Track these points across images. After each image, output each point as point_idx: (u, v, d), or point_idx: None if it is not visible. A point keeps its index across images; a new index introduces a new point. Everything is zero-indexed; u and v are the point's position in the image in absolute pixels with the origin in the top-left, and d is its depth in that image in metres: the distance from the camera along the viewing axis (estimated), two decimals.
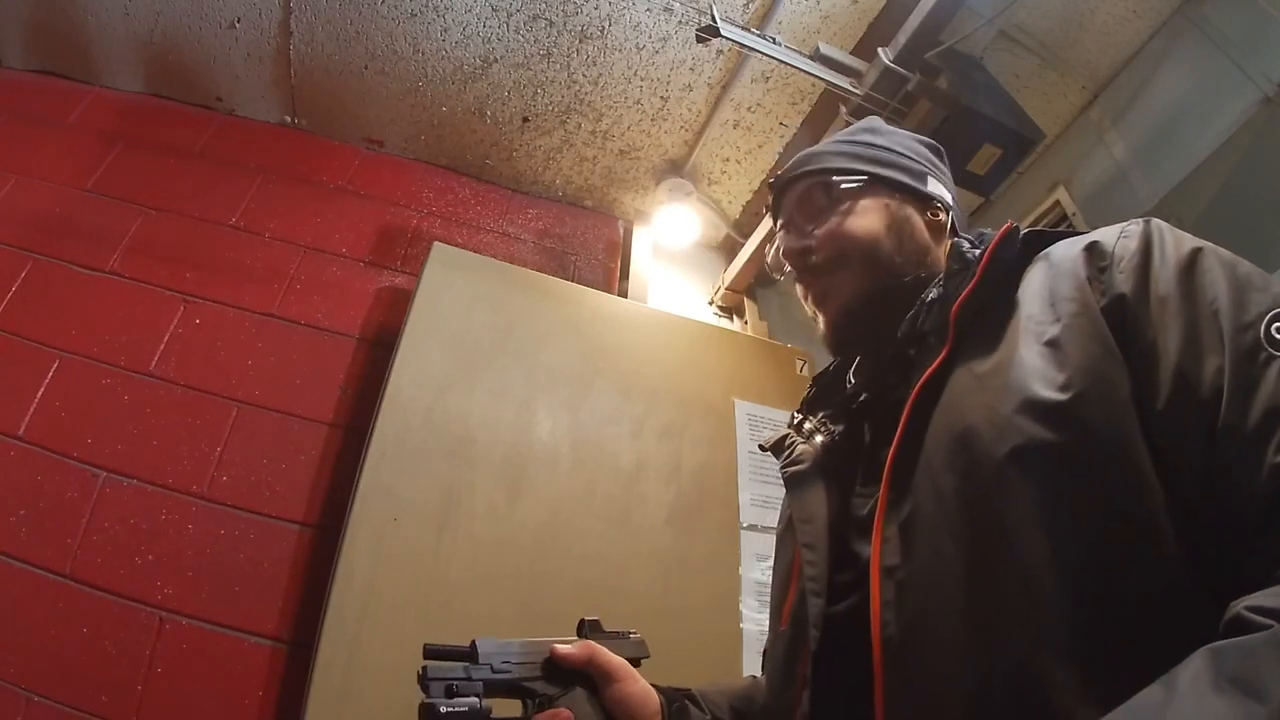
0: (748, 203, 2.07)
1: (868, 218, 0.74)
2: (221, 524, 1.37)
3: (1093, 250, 0.58)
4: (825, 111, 1.73)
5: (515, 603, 1.31)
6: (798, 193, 0.80)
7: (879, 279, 0.72)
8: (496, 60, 1.77)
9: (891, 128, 0.85)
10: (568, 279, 1.87)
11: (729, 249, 2.16)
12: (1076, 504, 0.50)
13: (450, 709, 0.59)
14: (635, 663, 0.73)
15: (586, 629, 0.72)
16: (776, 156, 1.92)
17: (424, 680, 0.62)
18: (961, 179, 1.41)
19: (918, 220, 0.76)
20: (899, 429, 0.60)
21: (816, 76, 1.44)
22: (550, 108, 1.87)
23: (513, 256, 1.92)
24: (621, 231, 2.13)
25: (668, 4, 1.61)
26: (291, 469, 1.45)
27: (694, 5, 1.61)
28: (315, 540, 1.39)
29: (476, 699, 0.60)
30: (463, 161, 2.03)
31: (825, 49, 1.44)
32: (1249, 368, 0.47)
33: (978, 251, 0.65)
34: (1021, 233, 0.64)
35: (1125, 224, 0.59)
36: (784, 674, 0.66)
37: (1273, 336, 0.48)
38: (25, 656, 1.20)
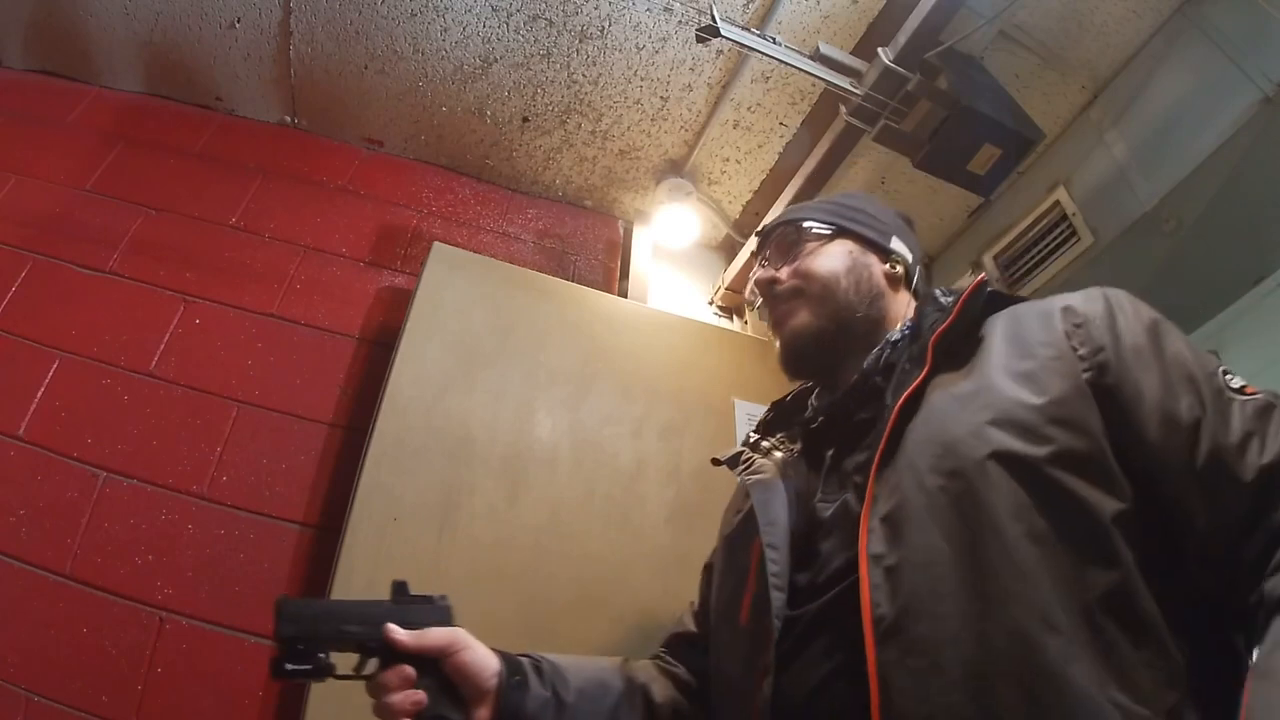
0: (748, 203, 2.07)
1: (831, 259, 0.87)
2: (221, 524, 1.37)
3: (1068, 311, 0.71)
4: (825, 111, 1.73)
5: (515, 603, 1.31)
6: (776, 236, 0.94)
7: (832, 316, 0.84)
8: (496, 60, 1.77)
9: (871, 197, 1.00)
10: (568, 279, 1.87)
11: (729, 249, 2.16)
12: (1047, 505, 0.61)
13: (295, 667, 0.65)
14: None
15: (394, 590, 0.75)
16: (776, 156, 1.92)
17: (275, 637, 0.67)
18: (961, 179, 1.41)
19: (877, 268, 0.88)
20: (884, 435, 0.69)
21: (816, 76, 1.44)
22: (550, 108, 1.87)
23: (513, 256, 1.92)
24: (621, 231, 2.13)
25: (668, 4, 1.61)
26: (291, 469, 1.45)
27: (694, 5, 1.61)
28: (315, 540, 1.39)
29: (323, 655, 0.67)
30: (463, 161, 2.03)
31: (825, 49, 1.44)
32: (1220, 402, 0.63)
33: (951, 298, 0.78)
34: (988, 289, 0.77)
35: (1087, 290, 0.73)
36: (745, 665, 0.71)
37: (1228, 385, 0.64)
38: (25, 656, 1.20)
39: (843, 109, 1.48)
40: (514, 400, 1.51)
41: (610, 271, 2.03)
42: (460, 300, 1.59)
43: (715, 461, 0.96)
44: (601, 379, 1.61)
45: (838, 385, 0.84)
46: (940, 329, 0.73)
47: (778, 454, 0.86)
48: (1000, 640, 0.57)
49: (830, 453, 0.79)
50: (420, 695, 0.70)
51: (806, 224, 0.90)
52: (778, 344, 0.89)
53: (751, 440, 0.92)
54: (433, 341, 1.52)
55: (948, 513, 0.62)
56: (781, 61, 1.42)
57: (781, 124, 1.85)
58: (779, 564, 0.72)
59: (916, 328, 0.80)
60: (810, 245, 0.89)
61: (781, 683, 0.66)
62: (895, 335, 0.82)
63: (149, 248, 1.64)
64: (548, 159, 2.00)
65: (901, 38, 1.39)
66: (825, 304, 0.85)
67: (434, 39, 1.74)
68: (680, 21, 1.65)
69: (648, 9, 1.63)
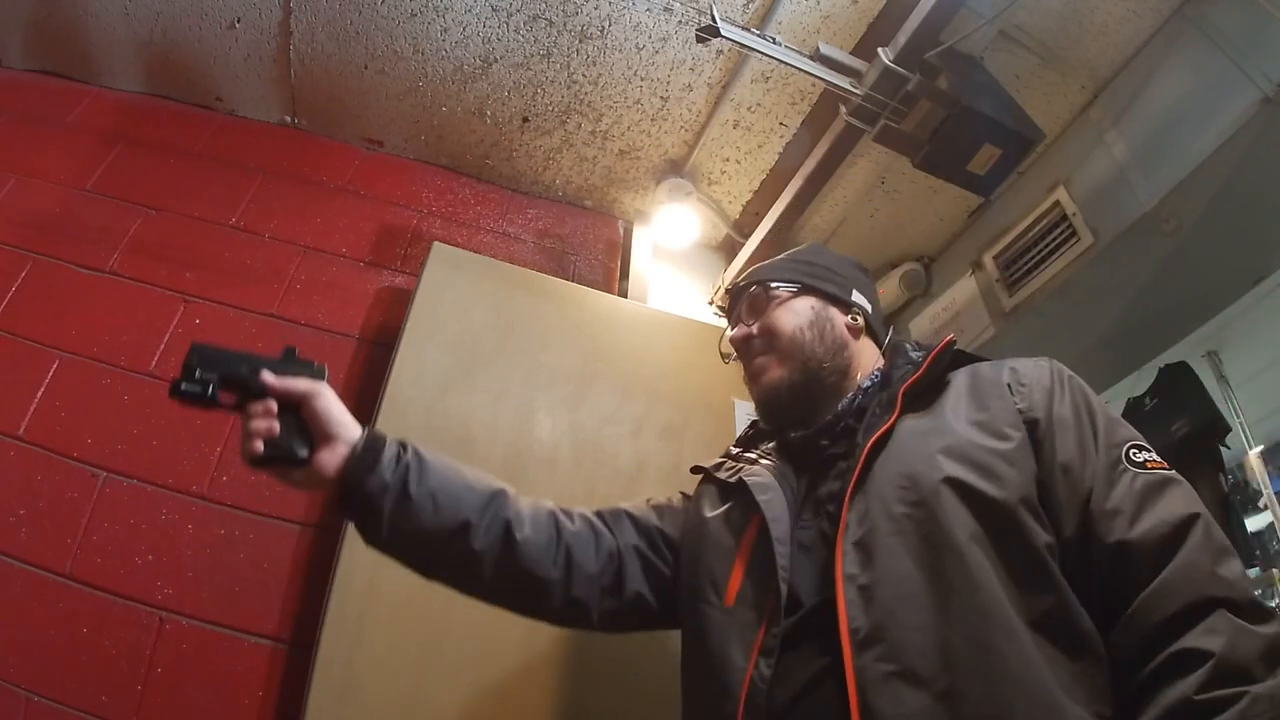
0: (748, 203, 2.07)
1: (796, 316, 0.96)
2: (221, 524, 1.37)
3: (1014, 371, 0.83)
4: (825, 111, 1.73)
5: None
6: (747, 296, 1.02)
7: (800, 369, 0.92)
8: (496, 60, 1.77)
9: (832, 252, 1.08)
10: (568, 279, 1.87)
11: (729, 249, 2.16)
12: (996, 533, 0.70)
13: (188, 388, 0.76)
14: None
15: (284, 351, 0.84)
16: (776, 156, 1.92)
17: (182, 366, 0.78)
18: (961, 179, 1.41)
19: (839, 320, 0.97)
20: (856, 470, 0.78)
21: (816, 76, 1.44)
22: (550, 108, 1.87)
23: (513, 256, 1.92)
24: (621, 231, 2.13)
25: (668, 4, 1.61)
26: None
27: (694, 5, 1.61)
28: (315, 540, 1.39)
29: (213, 388, 0.77)
30: (463, 161, 2.03)
31: (825, 49, 1.44)
32: (1112, 472, 0.73)
33: (920, 354, 0.89)
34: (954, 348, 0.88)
35: (1037, 360, 0.84)
36: (737, 642, 0.77)
37: (1130, 457, 0.73)
38: (25, 656, 1.20)
39: (843, 109, 1.48)
40: (514, 400, 1.51)
41: (610, 271, 2.03)
42: (460, 300, 1.59)
43: (697, 470, 1.03)
44: (601, 379, 1.60)
45: (809, 424, 0.91)
46: (910, 381, 0.83)
47: (766, 462, 0.93)
48: (965, 649, 0.65)
49: (805, 481, 0.87)
50: (275, 425, 0.78)
51: (773, 284, 0.99)
52: (754, 396, 0.97)
53: (734, 453, 1.01)
54: (433, 341, 1.52)
55: (913, 538, 0.71)
56: (781, 61, 1.42)
57: (781, 124, 1.85)
58: (785, 559, 0.78)
59: (886, 377, 0.90)
60: (776, 303, 0.98)
61: (774, 675, 0.72)
62: (866, 383, 0.92)
63: (149, 248, 1.64)
64: (548, 159, 2.01)
65: (901, 38, 1.39)
66: (794, 358, 0.93)
67: (434, 39, 1.74)
68: (680, 21, 1.65)
69: (648, 9, 1.63)
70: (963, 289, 1.87)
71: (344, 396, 1.53)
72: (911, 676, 0.64)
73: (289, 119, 1.97)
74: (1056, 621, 0.67)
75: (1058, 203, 1.61)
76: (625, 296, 1.91)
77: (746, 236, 1.99)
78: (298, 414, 0.81)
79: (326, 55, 1.80)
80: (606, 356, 1.64)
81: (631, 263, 2.01)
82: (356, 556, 1.27)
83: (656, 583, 0.95)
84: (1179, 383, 2.43)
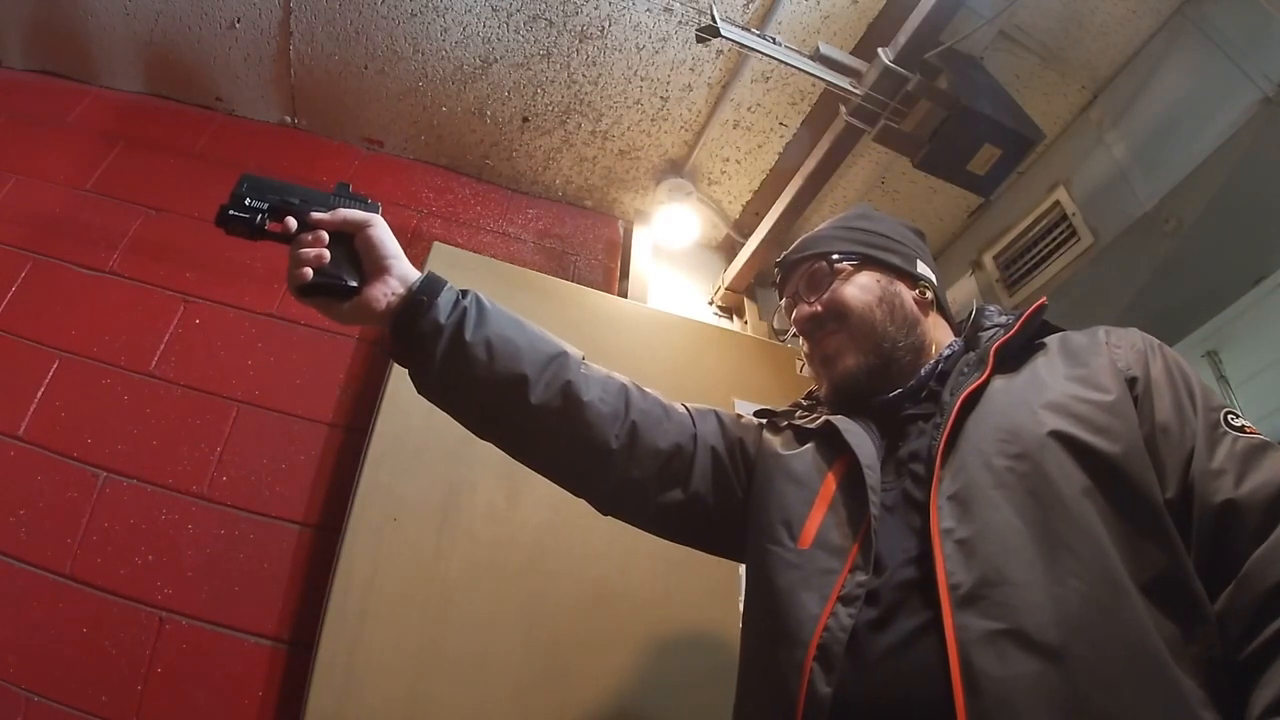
0: (748, 203, 2.07)
1: (863, 291, 0.89)
2: (221, 524, 1.37)
3: (1110, 332, 0.81)
4: (825, 111, 1.73)
5: (515, 602, 1.31)
6: (803, 271, 0.95)
7: (875, 351, 0.86)
8: (496, 60, 1.77)
9: (882, 214, 1.00)
10: (568, 279, 1.87)
11: (729, 249, 2.16)
12: (1107, 487, 0.67)
13: (236, 214, 0.76)
14: None
15: (337, 186, 0.83)
16: (776, 156, 1.92)
17: (230, 194, 0.77)
18: (961, 179, 1.41)
19: (907, 295, 0.90)
20: (948, 426, 0.75)
21: (816, 76, 1.44)
22: (550, 108, 1.87)
23: (513, 256, 1.92)
24: (621, 231, 2.13)
25: (668, 4, 1.61)
26: (291, 469, 1.45)
27: (694, 5, 1.61)
28: (315, 540, 1.39)
29: (261, 214, 0.77)
30: (463, 161, 2.03)
31: (825, 49, 1.44)
32: (1213, 434, 0.70)
33: (1007, 317, 0.86)
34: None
35: (1128, 329, 0.82)
36: (812, 590, 0.73)
37: (1229, 422, 0.71)
38: (25, 656, 1.20)
39: (843, 109, 1.48)
40: None
41: (610, 271, 2.03)
42: None
43: (763, 414, 0.98)
44: None
45: (885, 391, 0.87)
46: (1003, 339, 0.80)
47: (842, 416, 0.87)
48: (1077, 606, 0.61)
49: (884, 443, 0.82)
50: (324, 253, 0.77)
51: (834, 257, 0.92)
52: (825, 381, 0.91)
53: (805, 404, 0.97)
54: None
55: (1017, 490, 0.68)
56: (781, 61, 1.42)
57: (781, 124, 1.85)
58: (877, 507, 0.74)
59: (973, 340, 0.86)
60: (840, 278, 0.91)
61: (860, 633, 0.68)
62: (946, 352, 0.87)
63: (149, 248, 1.64)
64: (548, 159, 2.01)
65: (901, 38, 1.39)
66: (868, 338, 0.87)
67: (434, 39, 1.74)
68: (680, 21, 1.65)
69: (648, 9, 1.63)
70: (963, 289, 1.87)
71: (344, 396, 1.57)
72: (1019, 635, 0.60)
73: (289, 119, 1.97)
74: (1169, 584, 0.63)
75: (1058, 203, 1.61)
76: (625, 296, 1.91)
77: (746, 236, 1.99)
78: (349, 244, 0.79)
79: (326, 55, 1.80)
80: (606, 356, 1.62)
81: (631, 263, 2.01)
82: (356, 556, 1.27)
83: (723, 494, 0.90)
84: None
